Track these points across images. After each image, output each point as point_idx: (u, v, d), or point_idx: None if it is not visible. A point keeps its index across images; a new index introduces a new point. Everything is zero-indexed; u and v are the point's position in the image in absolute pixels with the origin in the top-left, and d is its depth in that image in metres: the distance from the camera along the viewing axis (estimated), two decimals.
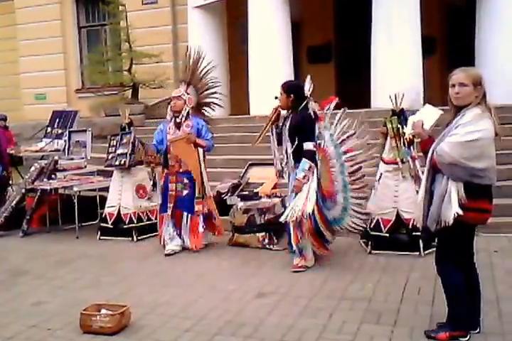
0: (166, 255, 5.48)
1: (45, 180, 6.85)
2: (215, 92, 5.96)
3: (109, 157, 6.48)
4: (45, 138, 8.46)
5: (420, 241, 4.99)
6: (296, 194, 4.71)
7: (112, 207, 6.33)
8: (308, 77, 5.04)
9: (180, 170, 5.58)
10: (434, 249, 3.56)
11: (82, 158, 7.35)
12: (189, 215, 5.61)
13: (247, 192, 6.24)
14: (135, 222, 6.26)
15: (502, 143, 3.31)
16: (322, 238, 4.97)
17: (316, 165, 4.79)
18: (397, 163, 5.11)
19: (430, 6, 9.51)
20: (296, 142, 4.76)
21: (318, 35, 11.93)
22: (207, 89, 5.89)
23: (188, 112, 5.60)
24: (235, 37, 11.26)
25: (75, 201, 6.59)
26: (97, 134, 9.07)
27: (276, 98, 4.88)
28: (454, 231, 3.10)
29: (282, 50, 9.44)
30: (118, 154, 6.35)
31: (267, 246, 5.60)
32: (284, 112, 4.99)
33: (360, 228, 5.16)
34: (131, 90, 11.31)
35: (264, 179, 6.34)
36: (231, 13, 11.18)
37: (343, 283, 4.40)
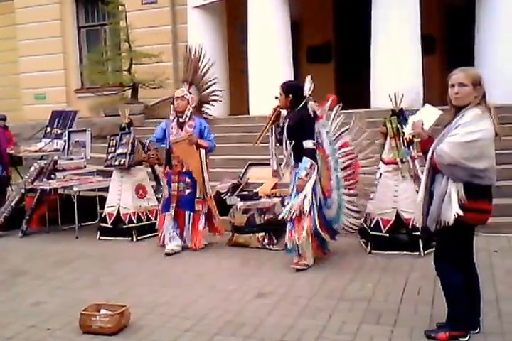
0: (166, 255, 5.49)
1: (44, 180, 6.85)
2: (215, 90, 5.98)
3: (109, 157, 6.48)
4: (44, 138, 8.43)
5: (420, 241, 5.00)
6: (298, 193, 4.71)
7: (111, 207, 6.34)
8: (309, 76, 5.04)
9: (183, 170, 5.61)
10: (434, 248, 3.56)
11: (82, 158, 7.33)
12: (191, 214, 5.63)
13: (246, 192, 6.25)
14: (135, 222, 6.26)
15: (502, 143, 3.29)
16: (319, 238, 4.95)
17: (317, 163, 4.79)
18: (396, 163, 5.12)
19: (430, 6, 9.50)
20: (294, 141, 4.77)
21: (317, 35, 11.91)
22: (208, 87, 5.92)
23: (191, 112, 5.62)
24: (235, 37, 11.24)
25: (75, 201, 6.59)
26: (96, 134, 9.07)
27: (276, 98, 4.89)
28: (453, 231, 3.10)
29: (282, 50, 9.43)
30: (117, 154, 6.36)
31: (267, 246, 5.60)
32: (284, 112, 5.00)
33: (356, 227, 5.16)
34: (130, 90, 11.28)
35: (264, 179, 6.35)
36: (231, 13, 11.16)
37: (342, 283, 4.40)
